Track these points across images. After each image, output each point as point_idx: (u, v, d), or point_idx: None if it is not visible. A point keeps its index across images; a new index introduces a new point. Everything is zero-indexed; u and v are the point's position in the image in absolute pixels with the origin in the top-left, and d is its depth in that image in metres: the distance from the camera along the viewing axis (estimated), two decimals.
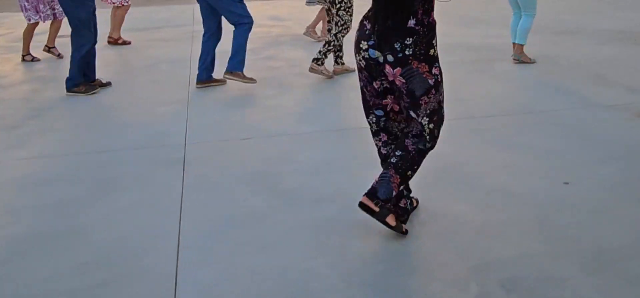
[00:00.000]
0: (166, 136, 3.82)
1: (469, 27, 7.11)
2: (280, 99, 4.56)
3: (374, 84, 2.37)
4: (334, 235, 2.52)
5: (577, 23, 7.14)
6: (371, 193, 2.32)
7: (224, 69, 4.71)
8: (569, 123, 3.78)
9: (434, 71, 2.26)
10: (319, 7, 6.38)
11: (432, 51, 2.25)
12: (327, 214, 2.70)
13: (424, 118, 2.30)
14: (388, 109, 2.45)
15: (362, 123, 3.75)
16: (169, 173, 3.23)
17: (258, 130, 3.87)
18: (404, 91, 2.26)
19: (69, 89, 4.70)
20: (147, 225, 2.68)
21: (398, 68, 2.22)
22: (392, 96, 2.39)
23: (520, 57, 5.22)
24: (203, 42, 4.79)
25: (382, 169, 2.43)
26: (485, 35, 6.57)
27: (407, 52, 2.20)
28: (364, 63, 2.34)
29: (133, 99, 4.71)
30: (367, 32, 2.29)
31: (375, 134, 2.54)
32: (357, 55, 2.36)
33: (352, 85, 4.76)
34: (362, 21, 2.36)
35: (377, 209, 2.31)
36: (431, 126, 2.32)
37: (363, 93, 2.47)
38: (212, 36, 4.76)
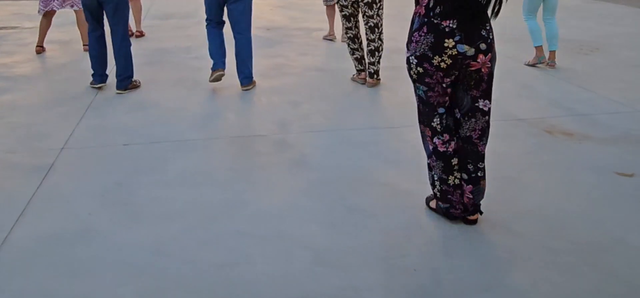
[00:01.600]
0: (47, 139, 3.61)
1: None
2: (187, 101, 4.36)
3: (445, 81, 2.30)
4: (158, 259, 2.31)
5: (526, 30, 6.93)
6: (476, 209, 2.49)
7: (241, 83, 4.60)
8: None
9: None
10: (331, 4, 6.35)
11: None
12: (164, 234, 2.49)
13: (486, 99, 2.35)
14: (447, 106, 2.40)
15: (256, 130, 3.59)
16: (24, 181, 3.01)
17: (144, 135, 3.66)
18: (485, 77, 2.30)
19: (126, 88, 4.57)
20: None
21: (489, 54, 2.28)
22: (453, 91, 2.36)
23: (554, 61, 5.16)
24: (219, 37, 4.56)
25: (434, 166, 2.46)
26: None
27: (491, 37, 2.28)
28: (450, 62, 2.25)
29: (32, 99, 4.49)
30: (447, 30, 2.22)
31: (437, 134, 2.42)
32: (437, 57, 2.25)
33: (275, 90, 4.58)
34: (430, 21, 2.24)
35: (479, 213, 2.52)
36: (488, 103, 2.37)
37: (425, 99, 2.38)
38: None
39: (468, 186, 2.41)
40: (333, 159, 3.26)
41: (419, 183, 2.90)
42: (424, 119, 2.44)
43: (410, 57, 2.32)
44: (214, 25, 4.53)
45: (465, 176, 2.41)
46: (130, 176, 3.06)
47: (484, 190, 2.44)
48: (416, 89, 2.40)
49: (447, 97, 2.37)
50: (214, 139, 3.61)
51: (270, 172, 3.10)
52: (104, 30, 4.56)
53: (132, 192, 2.88)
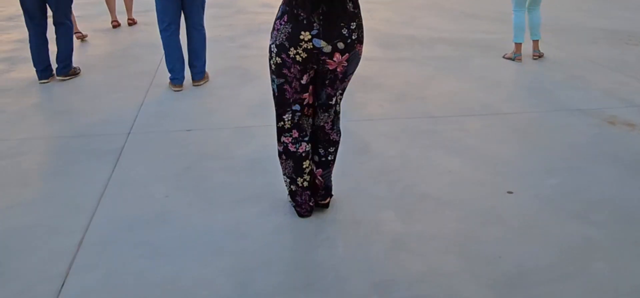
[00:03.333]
0: (111, 125, 3.70)
1: (456, 21, 6.87)
2: (238, 89, 4.41)
3: (304, 78, 2.23)
4: (241, 240, 2.37)
5: (572, 21, 6.86)
6: (328, 192, 2.53)
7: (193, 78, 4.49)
8: (529, 127, 3.57)
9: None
10: None
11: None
12: (241, 217, 2.55)
13: (339, 93, 2.34)
14: (304, 103, 2.31)
15: None
16: (98, 164, 3.10)
17: (204, 122, 3.73)
18: (340, 75, 2.24)
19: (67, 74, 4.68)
20: (54, 221, 2.55)
21: (346, 54, 2.17)
22: (313, 87, 2.30)
23: (539, 51, 5.13)
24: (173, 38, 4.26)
25: (285, 167, 2.44)
26: (470, 31, 6.34)
27: (353, 37, 2.16)
28: (305, 55, 2.15)
29: (90, 84, 4.60)
30: (305, 22, 2.09)
31: (286, 132, 2.36)
32: (292, 49, 2.14)
33: None
34: (291, 11, 2.11)
35: (330, 197, 2.57)
36: (340, 96, 2.37)
37: (283, 91, 2.27)
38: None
39: (318, 170, 2.44)
40: (395, 147, 3.28)
41: (487, 174, 2.91)
42: (277, 118, 2.35)
43: (271, 46, 2.21)
44: (174, 30, 4.20)
45: (316, 158, 2.44)
46: (198, 162, 3.12)
47: (331, 174, 2.52)
48: (272, 82, 2.29)
49: (306, 95, 2.28)
50: (271, 126, 3.65)
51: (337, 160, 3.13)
52: (46, 22, 4.50)
53: (203, 177, 2.94)
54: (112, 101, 4.15)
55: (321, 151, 2.43)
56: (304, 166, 2.40)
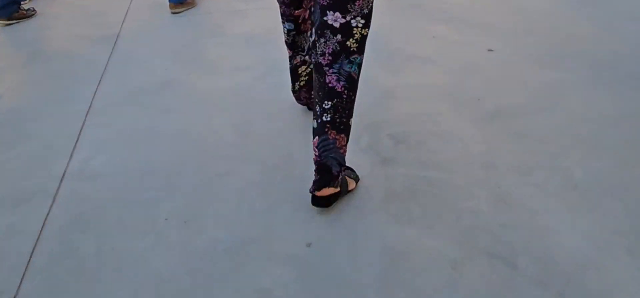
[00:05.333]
0: (104, 16, 3.78)
1: None
2: None
3: None
4: (239, 98, 2.54)
5: None
6: (323, 177, 1.72)
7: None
8: None
9: None
10: None
11: None
12: (240, 80, 2.71)
13: (359, 17, 1.59)
14: (300, 21, 1.97)
15: None
16: (97, 48, 3.22)
17: (197, 7, 3.81)
18: None
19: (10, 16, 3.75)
20: (62, 93, 2.70)
21: None
22: (308, 1, 1.89)
23: None
24: None
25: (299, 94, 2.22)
26: None
27: None
28: None
29: None
30: None
31: (286, 45, 2.09)
32: None
33: None
34: None
35: (338, 189, 1.77)
36: (365, 31, 1.63)
37: (278, 2, 1.94)
38: None
39: (314, 139, 1.71)
40: (383, 19, 3.41)
41: (470, 36, 3.07)
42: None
43: None
44: None
45: (313, 122, 1.72)
46: (194, 40, 3.25)
47: (338, 147, 1.70)
48: None
49: (298, 11, 1.93)
50: (263, 8, 3.75)
51: None
52: None
53: (200, 52, 3.08)
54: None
55: (317, 107, 1.70)
56: (300, 72, 2.17)
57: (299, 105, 2.42)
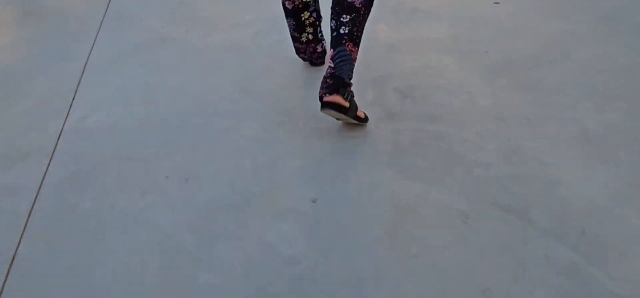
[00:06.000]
0: None
1: None
2: None
3: None
4: (238, 54, 2.47)
5: None
6: (335, 82, 1.71)
7: None
8: None
9: None
10: None
11: None
12: (239, 37, 2.63)
13: None
14: None
15: None
16: (90, 5, 3.12)
17: None
18: None
19: None
20: (57, 51, 2.62)
21: None
22: None
23: None
24: None
25: (289, 28, 2.14)
26: None
27: None
28: None
29: None
30: None
31: None
32: None
33: None
34: None
35: (348, 104, 1.74)
36: None
37: None
38: None
39: (330, 51, 1.76)
40: None
41: None
42: None
43: None
44: None
45: (331, 32, 1.78)
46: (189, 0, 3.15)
47: (353, 59, 1.75)
48: None
49: None
50: None
51: None
52: None
53: (197, 8, 2.99)
54: None
55: (333, 22, 1.76)
56: (303, 19, 2.10)
57: (301, 60, 2.34)
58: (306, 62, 2.34)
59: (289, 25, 2.14)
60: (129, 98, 2.20)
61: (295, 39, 2.18)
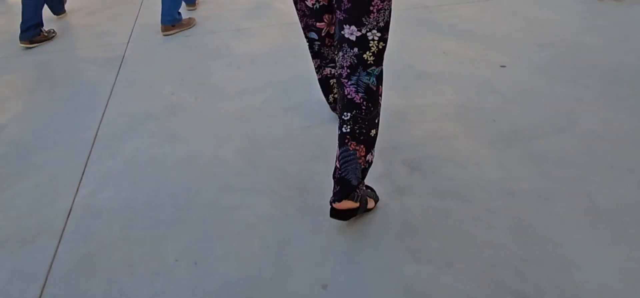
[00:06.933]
0: (110, 36, 3.74)
1: None
2: None
3: (308, 1, 1.88)
4: (246, 123, 2.49)
5: None
6: (343, 188, 1.67)
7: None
8: (521, 8, 3.63)
9: None
10: None
11: None
12: (247, 104, 2.65)
13: (374, 31, 1.65)
14: (323, 34, 1.99)
15: None
16: (102, 71, 3.17)
17: (201, 27, 3.77)
18: None
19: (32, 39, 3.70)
20: (68, 121, 2.65)
21: None
22: (330, 15, 1.91)
23: None
24: None
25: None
26: None
27: None
28: None
29: (85, 2, 4.59)
30: None
31: (312, 57, 2.15)
32: None
33: None
34: None
35: (358, 204, 1.72)
36: (381, 45, 1.68)
37: (297, 12, 1.99)
38: None
39: (338, 149, 1.71)
40: (391, 35, 3.35)
41: (482, 51, 3.00)
42: (302, 28, 2.05)
43: None
44: None
45: (337, 131, 1.73)
46: (200, 62, 3.20)
47: (358, 157, 1.67)
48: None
49: (321, 25, 1.95)
50: (269, 26, 3.70)
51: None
52: None
53: (205, 74, 3.03)
54: (108, 16, 4.17)
55: (339, 120, 1.73)
56: (331, 84, 2.22)
57: (311, 130, 2.35)
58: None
59: (319, 81, 2.26)
60: (138, 172, 2.21)
61: (325, 97, 2.32)
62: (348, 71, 1.68)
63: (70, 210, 2.03)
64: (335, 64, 1.92)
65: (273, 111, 2.57)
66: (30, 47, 3.66)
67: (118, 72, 3.14)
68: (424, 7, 3.80)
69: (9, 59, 3.51)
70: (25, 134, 2.55)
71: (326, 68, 2.16)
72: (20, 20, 3.62)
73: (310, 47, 2.09)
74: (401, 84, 2.72)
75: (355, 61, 1.67)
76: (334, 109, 2.39)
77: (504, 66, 2.85)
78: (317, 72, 2.21)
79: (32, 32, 3.67)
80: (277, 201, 1.97)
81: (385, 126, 2.36)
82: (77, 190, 2.14)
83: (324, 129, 2.39)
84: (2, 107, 2.85)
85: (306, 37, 2.06)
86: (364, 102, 1.67)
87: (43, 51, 3.60)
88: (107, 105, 2.76)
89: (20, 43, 3.66)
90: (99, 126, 2.57)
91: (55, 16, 4.23)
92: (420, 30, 3.39)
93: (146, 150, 2.35)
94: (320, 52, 2.09)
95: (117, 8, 4.35)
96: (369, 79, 1.68)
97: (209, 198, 2.02)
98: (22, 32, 3.64)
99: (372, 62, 1.68)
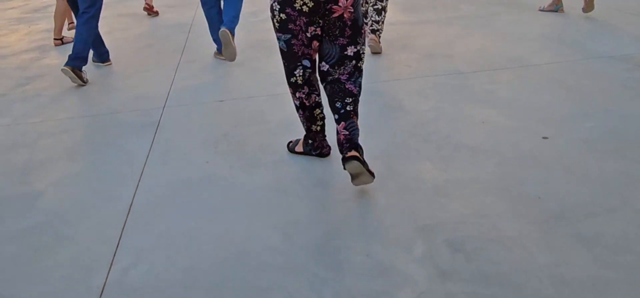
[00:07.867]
0: (146, 100, 3.79)
1: None
2: (266, 61, 4.46)
3: (309, 30, 2.29)
4: (284, 196, 2.44)
5: None
6: (353, 144, 2.28)
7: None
8: (561, 75, 3.56)
9: None
10: None
11: None
12: (282, 174, 2.61)
13: (363, 45, 2.37)
14: (314, 59, 2.43)
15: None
16: (138, 137, 3.19)
17: (236, 92, 3.80)
18: (349, 23, 2.28)
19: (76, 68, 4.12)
20: (103, 190, 2.64)
21: None
22: (317, 42, 2.35)
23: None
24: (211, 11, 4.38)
25: (302, 117, 2.61)
26: None
27: None
28: (312, 5, 2.22)
29: (122, 65, 4.69)
30: None
31: (299, 88, 2.50)
32: (296, 2, 2.22)
33: None
34: None
35: (359, 153, 2.27)
36: (363, 50, 2.39)
37: (291, 46, 2.36)
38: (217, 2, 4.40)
39: (340, 124, 2.33)
40: (427, 103, 3.30)
41: (522, 121, 2.92)
42: (287, 74, 2.48)
43: (273, 4, 2.29)
44: (213, 3, 4.34)
45: (336, 115, 2.35)
46: (234, 128, 3.20)
47: (358, 128, 2.35)
48: (278, 40, 2.38)
49: (311, 50, 2.37)
50: None
51: (369, 118, 3.17)
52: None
53: (240, 142, 3.01)
54: (144, 79, 4.24)
55: (338, 104, 2.35)
56: (316, 114, 2.60)
57: (348, 207, 2.29)
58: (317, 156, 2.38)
59: (302, 116, 2.61)
60: (173, 247, 2.17)
61: (308, 129, 2.65)
62: (348, 76, 2.37)
63: (103, 287, 1.99)
64: (326, 76, 2.40)
65: (309, 183, 2.52)
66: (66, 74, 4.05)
67: (153, 139, 3.15)
68: (458, 73, 3.76)
69: (47, 124, 3.57)
70: (61, 203, 2.55)
71: (313, 95, 2.53)
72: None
73: (303, 76, 2.44)
74: (439, 156, 2.65)
75: (353, 69, 2.38)
76: (310, 145, 2.71)
77: (546, 138, 2.76)
78: (305, 101, 2.53)
79: (79, 63, 4.06)
80: (314, 282, 1.90)
81: (424, 200, 2.29)
82: (111, 264, 2.10)
83: (360, 203, 2.32)
84: (42, 172, 2.87)
85: (296, 69, 2.43)
86: (358, 92, 2.40)
87: (84, 113, 3.65)
88: (142, 174, 2.76)
89: (63, 67, 4.05)
90: (134, 196, 2.56)
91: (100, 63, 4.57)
92: (456, 98, 3.34)
93: (181, 223, 2.32)
94: (310, 80, 2.48)
95: (153, 71, 4.43)
96: (360, 78, 2.41)
97: (244, 277, 1.95)
98: (70, 59, 4.04)
99: (361, 67, 2.40)
